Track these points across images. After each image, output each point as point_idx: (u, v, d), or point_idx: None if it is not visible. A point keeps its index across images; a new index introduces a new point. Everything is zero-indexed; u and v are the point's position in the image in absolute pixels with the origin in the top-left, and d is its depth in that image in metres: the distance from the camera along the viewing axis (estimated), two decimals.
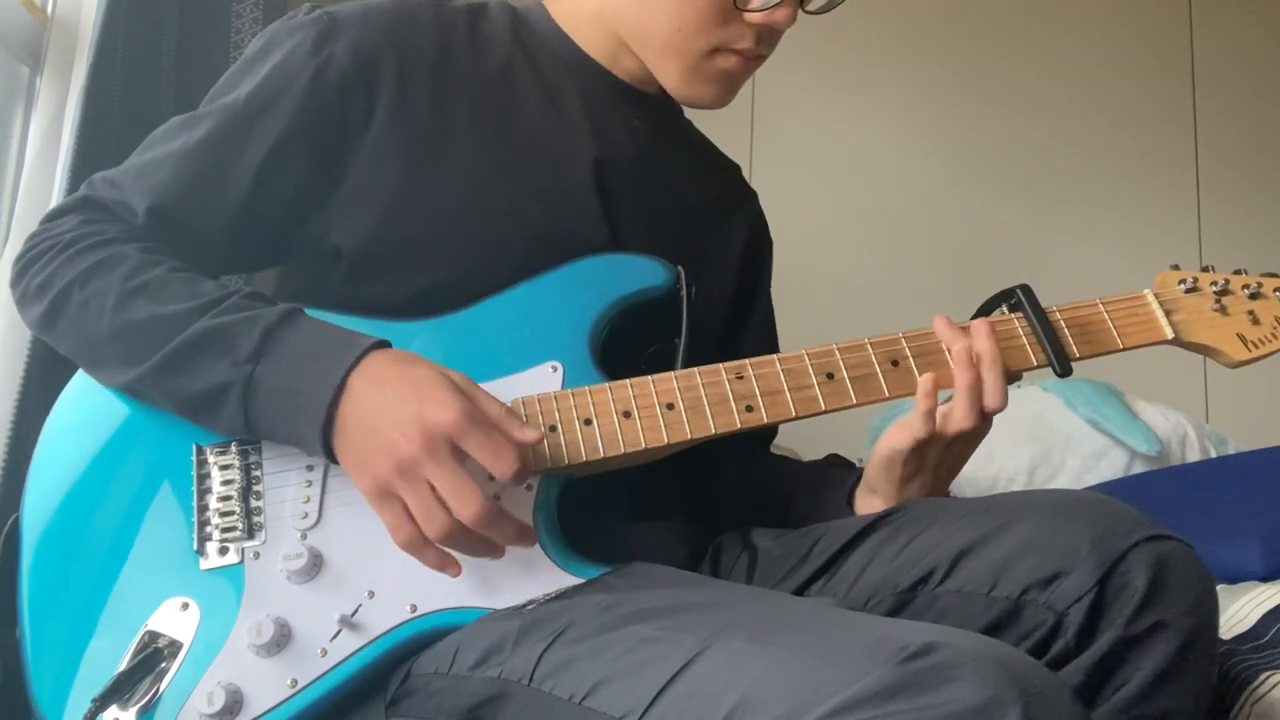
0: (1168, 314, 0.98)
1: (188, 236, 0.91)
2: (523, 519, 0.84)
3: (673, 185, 1.06)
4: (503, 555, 0.80)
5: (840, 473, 1.02)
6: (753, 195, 1.18)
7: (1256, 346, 0.99)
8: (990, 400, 0.90)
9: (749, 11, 0.93)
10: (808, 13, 0.98)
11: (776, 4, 0.92)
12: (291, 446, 0.83)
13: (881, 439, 0.94)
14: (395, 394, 0.78)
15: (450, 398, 0.77)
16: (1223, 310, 0.99)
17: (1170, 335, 0.98)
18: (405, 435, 0.76)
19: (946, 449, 0.92)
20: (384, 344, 0.82)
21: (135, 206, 0.90)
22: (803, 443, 0.92)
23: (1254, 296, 1.00)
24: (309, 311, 0.86)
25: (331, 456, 0.80)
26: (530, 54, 1.02)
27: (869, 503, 0.96)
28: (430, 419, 0.76)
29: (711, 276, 1.05)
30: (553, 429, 0.86)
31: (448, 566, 0.79)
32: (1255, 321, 0.99)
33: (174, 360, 0.81)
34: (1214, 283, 1.00)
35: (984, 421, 0.91)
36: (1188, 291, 1.00)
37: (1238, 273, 1.01)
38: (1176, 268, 1.02)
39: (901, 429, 0.92)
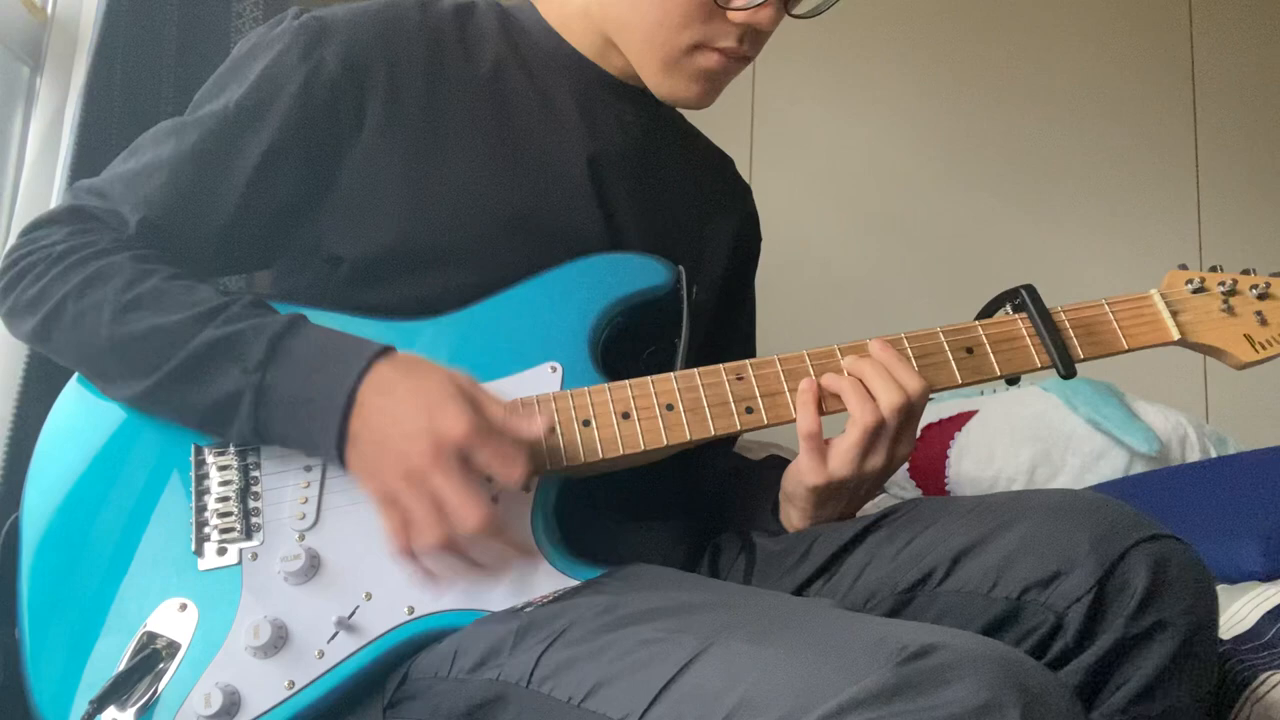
0: (1174, 314, 0.97)
1: (180, 245, 0.91)
2: (521, 520, 0.84)
3: (667, 179, 1.06)
4: (488, 586, 0.81)
5: (773, 476, 0.99)
6: (746, 190, 1.18)
7: (1264, 348, 0.97)
8: (882, 397, 0.88)
9: (731, 10, 0.92)
10: (793, 16, 0.98)
11: (759, 4, 0.92)
12: (300, 451, 0.84)
13: (790, 469, 0.93)
14: (405, 405, 0.78)
15: (459, 410, 0.78)
16: (1230, 311, 0.98)
17: (1176, 336, 0.97)
18: (416, 447, 0.77)
19: (860, 468, 0.89)
20: (389, 350, 0.82)
21: (127, 217, 0.90)
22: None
23: (1262, 297, 0.99)
24: (310, 312, 0.86)
25: (342, 462, 0.81)
26: (520, 52, 1.02)
27: (788, 516, 0.95)
28: (440, 432, 0.77)
29: (703, 270, 1.05)
30: (551, 430, 0.86)
31: (432, 584, 0.80)
32: (1263, 322, 0.98)
33: (181, 371, 0.81)
34: (1221, 283, 0.99)
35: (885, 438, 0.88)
36: (1195, 292, 0.99)
37: (1246, 273, 1.00)
38: (1184, 268, 1.01)
39: (806, 467, 0.90)
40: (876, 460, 0.89)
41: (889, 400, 0.88)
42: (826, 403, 0.90)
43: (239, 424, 0.81)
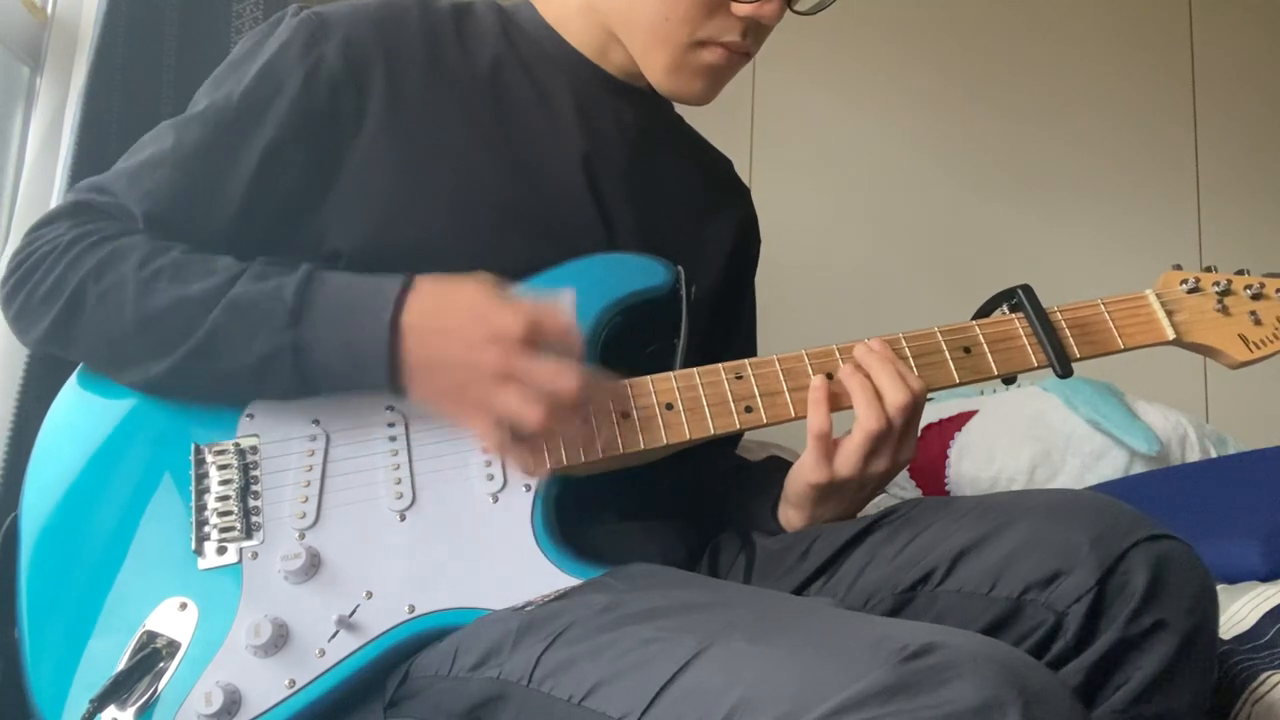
0: (1169, 314, 0.98)
1: (184, 240, 0.90)
2: (521, 520, 0.84)
3: (664, 179, 1.06)
4: (592, 436, 0.86)
5: (773, 477, 0.99)
6: (745, 191, 1.18)
7: (1258, 347, 0.98)
8: (890, 396, 0.88)
9: (737, 3, 0.93)
10: (796, 13, 0.98)
11: None
12: (356, 390, 0.86)
13: (795, 467, 0.93)
14: (457, 321, 0.81)
15: (508, 308, 0.82)
16: (1225, 311, 0.99)
17: (1172, 336, 0.98)
18: (487, 355, 0.80)
19: (863, 469, 0.89)
20: (412, 279, 0.84)
21: (132, 210, 0.90)
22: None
23: (1256, 297, 1.00)
24: None
25: (399, 393, 0.84)
26: (519, 51, 1.02)
27: (786, 516, 0.95)
28: (501, 333, 0.81)
29: (701, 271, 1.05)
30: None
31: (541, 460, 0.85)
32: (1257, 322, 0.99)
33: (209, 343, 0.82)
34: (1216, 283, 1.00)
35: (893, 435, 0.89)
36: (1190, 292, 1.00)
37: (1240, 273, 1.01)
38: (1179, 268, 1.02)
39: (810, 464, 0.90)
40: (880, 463, 0.89)
41: (895, 399, 0.88)
42: (832, 400, 0.90)
43: (283, 382, 0.83)
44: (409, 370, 0.82)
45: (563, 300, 0.85)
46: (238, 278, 0.83)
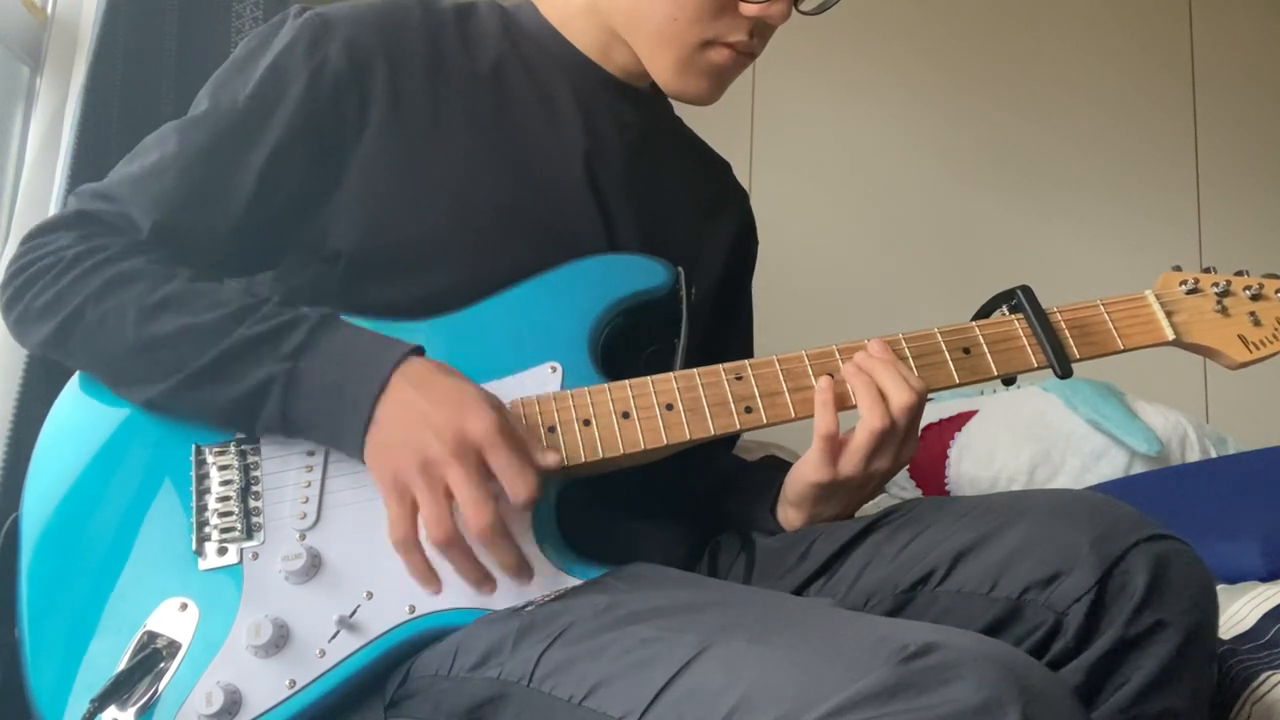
0: (1169, 315, 0.98)
1: (193, 245, 0.90)
2: (522, 520, 0.84)
3: (664, 180, 1.06)
4: (490, 588, 0.80)
5: (771, 476, 1.00)
6: (743, 194, 1.18)
7: (1258, 348, 0.99)
8: (893, 396, 0.88)
9: (745, 3, 0.93)
10: (801, 13, 0.98)
11: None
12: (324, 443, 0.84)
13: (797, 465, 0.93)
14: (436, 398, 0.79)
15: (488, 413, 0.79)
16: (1224, 311, 0.99)
17: (1171, 336, 0.98)
18: (439, 437, 0.77)
19: (866, 468, 0.89)
20: (422, 350, 0.83)
21: (139, 221, 0.89)
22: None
23: (1255, 298, 1.00)
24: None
25: (361, 449, 0.81)
26: (521, 52, 1.02)
27: (786, 515, 0.95)
28: (466, 427, 0.78)
29: (700, 272, 1.05)
30: (551, 430, 0.86)
31: (430, 581, 0.79)
32: (1257, 323, 0.99)
33: (216, 368, 0.81)
34: (1215, 284, 1.00)
35: (896, 435, 0.88)
36: (1189, 293, 1.00)
37: (1239, 274, 1.01)
38: (1178, 269, 1.02)
39: (814, 463, 0.90)
40: (882, 462, 0.89)
41: (899, 399, 0.88)
42: (837, 401, 0.90)
43: (267, 412, 0.81)
44: (376, 425, 0.80)
45: (547, 455, 0.82)
46: (250, 311, 0.83)
